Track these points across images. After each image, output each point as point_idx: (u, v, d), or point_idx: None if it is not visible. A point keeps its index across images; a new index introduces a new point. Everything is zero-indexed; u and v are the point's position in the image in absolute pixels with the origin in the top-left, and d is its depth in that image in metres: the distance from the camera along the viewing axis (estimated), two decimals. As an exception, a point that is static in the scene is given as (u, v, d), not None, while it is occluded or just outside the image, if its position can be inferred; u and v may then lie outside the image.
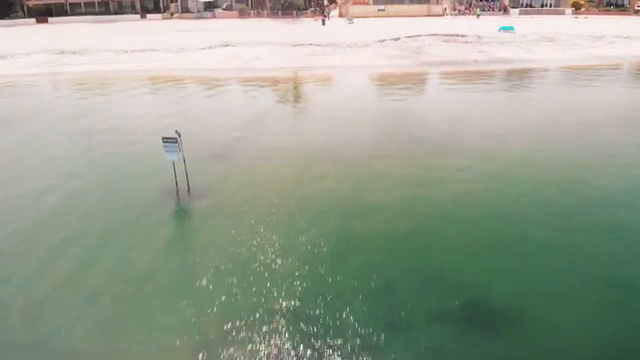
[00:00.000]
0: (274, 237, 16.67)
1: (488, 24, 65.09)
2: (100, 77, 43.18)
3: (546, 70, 45.51)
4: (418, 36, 56.76)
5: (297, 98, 38.07)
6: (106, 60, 47.79)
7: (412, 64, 46.87)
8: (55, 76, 43.12)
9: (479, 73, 44.01)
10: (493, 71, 44.75)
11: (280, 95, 38.23)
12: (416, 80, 43.46)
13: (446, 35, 57.20)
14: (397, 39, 55.74)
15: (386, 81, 42.40)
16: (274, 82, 42.25)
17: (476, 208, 18.82)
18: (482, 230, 17.14)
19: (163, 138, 20.26)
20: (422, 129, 28.25)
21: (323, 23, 66.23)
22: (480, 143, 25.64)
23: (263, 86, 40.71)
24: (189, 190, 20.87)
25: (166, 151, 20.30)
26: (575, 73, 44.15)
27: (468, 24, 65.88)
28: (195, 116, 32.16)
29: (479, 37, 56.72)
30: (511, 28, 59.19)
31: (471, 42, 55.37)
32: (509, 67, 45.78)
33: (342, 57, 49.29)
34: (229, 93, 39.47)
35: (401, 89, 39.30)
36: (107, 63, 46.73)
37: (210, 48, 52.20)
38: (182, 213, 20.00)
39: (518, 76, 43.73)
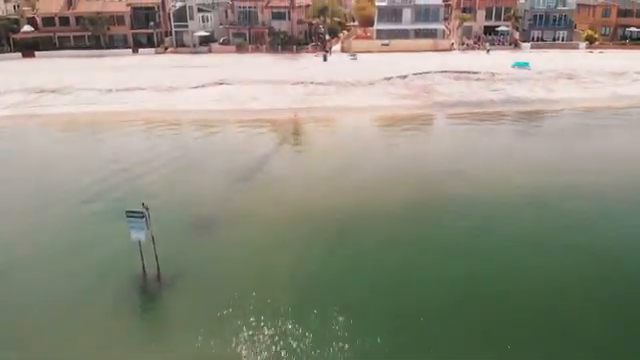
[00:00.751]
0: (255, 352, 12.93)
1: (500, 59, 62.40)
2: (78, 120, 40.02)
3: (571, 112, 42.27)
4: (427, 73, 53.80)
5: (295, 146, 34.57)
6: (87, 100, 44.66)
7: (422, 105, 43.58)
8: (29, 119, 39.95)
9: (497, 115, 40.68)
10: (513, 113, 41.42)
11: (276, 142, 34.73)
12: (427, 124, 40.08)
13: (457, 72, 54.25)
14: (404, 76, 52.75)
15: (394, 126, 39.03)
16: (270, 126, 38.90)
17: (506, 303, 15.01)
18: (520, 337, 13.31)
19: (127, 212, 16.58)
20: (437, 189, 24.63)
21: (325, 59, 63.54)
22: (513, 209, 21.92)
23: (258, 131, 37.39)
24: (159, 276, 17.03)
25: (131, 228, 16.64)
26: (603, 115, 40.91)
27: (479, 59, 63.15)
28: (175, 168, 28.63)
29: (492, 74, 53.74)
30: (526, 64, 56.24)
31: (484, 79, 52.35)
32: (530, 108, 42.49)
33: (346, 97, 46.13)
34: (219, 139, 36.09)
35: (411, 136, 35.91)
36: (88, 104, 43.59)
37: (203, 87, 49.15)
38: (147, 313, 16.09)
39: (542, 119, 40.43)
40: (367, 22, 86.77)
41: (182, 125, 38.65)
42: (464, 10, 77.42)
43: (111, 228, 19.19)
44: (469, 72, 54.38)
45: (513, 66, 56.32)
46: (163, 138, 35.12)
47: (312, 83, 50.70)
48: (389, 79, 51.95)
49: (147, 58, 68.24)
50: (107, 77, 52.89)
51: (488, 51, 68.57)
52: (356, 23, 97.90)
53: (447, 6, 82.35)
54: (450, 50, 72.05)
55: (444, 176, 26.20)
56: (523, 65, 56.43)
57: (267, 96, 46.40)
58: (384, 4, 76.68)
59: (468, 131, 36.63)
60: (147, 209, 16.22)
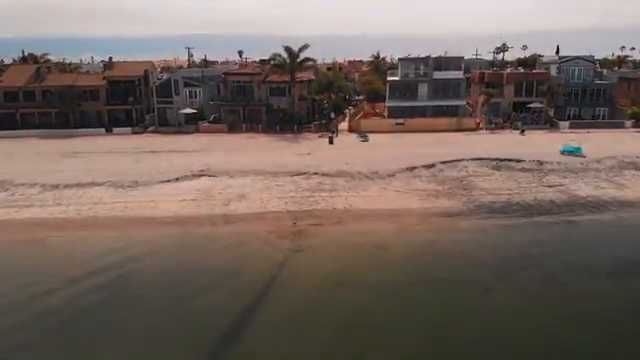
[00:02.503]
0: None
1: (540, 142, 53.76)
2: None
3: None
4: (458, 161, 44.65)
5: (290, 299, 23.51)
6: (24, 201, 35.28)
7: (463, 209, 33.93)
8: None
9: (571, 228, 30.76)
10: (588, 224, 31.68)
11: (264, 282, 24.15)
12: (476, 243, 29.71)
13: (495, 159, 45.03)
14: (431, 165, 43.52)
15: (432, 247, 29.07)
16: (258, 243, 28.94)
17: None
18: None
19: None
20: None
21: (331, 141, 54.71)
22: None
23: (238, 256, 27.44)
24: None
25: None
26: None
27: (515, 142, 54.28)
28: (94, 342, 18.33)
29: (539, 162, 44.60)
30: (578, 150, 47.16)
31: (531, 170, 43.10)
32: (607, 215, 32.57)
33: (360, 194, 36.76)
34: (178, 275, 25.83)
35: (459, 271, 25.73)
36: (21, 206, 34.15)
37: (177, 180, 39.78)
38: None
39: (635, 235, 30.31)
40: (375, 97, 79.36)
41: (130, 244, 28.50)
42: (488, 85, 69.64)
43: None
44: (510, 160, 45.16)
45: (562, 152, 47.19)
46: (95, 274, 24.72)
47: (316, 174, 41.38)
48: (413, 169, 42.56)
49: (121, 139, 59.49)
50: (62, 166, 43.76)
51: (523, 131, 59.94)
52: (362, 97, 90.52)
53: (466, 79, 74.90)
54: (476, 130, 63.48)
55: None
56: (574, 151, 47.32)
57: (259, 193, 36.95)
58: (396, 79, 69.29)
59: (541, 260, 26.55)
60: None
